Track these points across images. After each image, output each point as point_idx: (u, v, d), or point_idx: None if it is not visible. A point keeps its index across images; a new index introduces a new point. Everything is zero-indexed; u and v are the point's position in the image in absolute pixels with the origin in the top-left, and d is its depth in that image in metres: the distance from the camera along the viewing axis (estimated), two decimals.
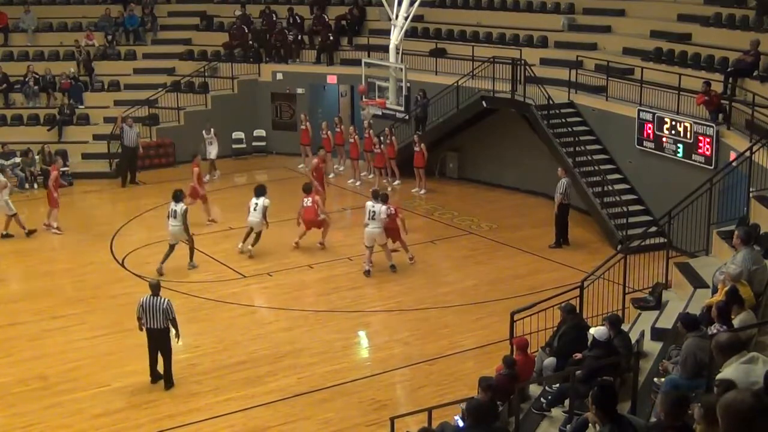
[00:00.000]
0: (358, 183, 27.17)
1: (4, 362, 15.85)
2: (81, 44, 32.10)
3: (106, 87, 31.59)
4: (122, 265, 20.59)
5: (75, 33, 33.17)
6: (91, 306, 18.28)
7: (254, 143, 31.24)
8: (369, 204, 19.93)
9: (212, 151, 28.12)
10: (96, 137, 29.50)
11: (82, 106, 30.63)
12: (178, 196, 19.91)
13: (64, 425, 13.65)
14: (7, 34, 32.85)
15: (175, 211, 19.71)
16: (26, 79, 30.76)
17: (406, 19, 27.02)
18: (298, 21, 32.41)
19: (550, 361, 13.06)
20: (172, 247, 19.80)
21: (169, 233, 19.84)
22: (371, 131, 27.10)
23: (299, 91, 30.89)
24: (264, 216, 20.83)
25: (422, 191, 26.14)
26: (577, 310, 14.14)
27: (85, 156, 28.83)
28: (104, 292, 18.97)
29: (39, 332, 17.10)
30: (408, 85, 26.68)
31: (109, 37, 32.72)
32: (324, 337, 16.67)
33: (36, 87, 30.74)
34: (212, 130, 28.31)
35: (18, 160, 27.45)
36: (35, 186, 27.20)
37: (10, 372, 15.41)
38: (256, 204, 20.89)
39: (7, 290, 19.17)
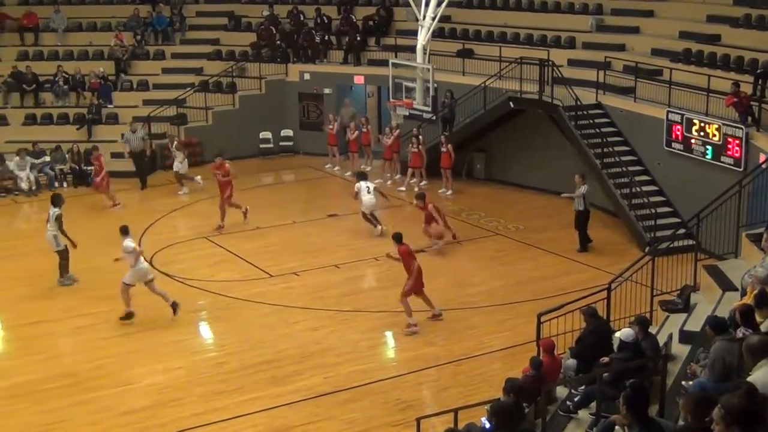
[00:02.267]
0: (389, 183, 27.13)
1: (32, 359, 15.97)
2: (120, 44, 32.36)
3: (134, 87, 31.78)
4: (150, 263, 20.67)
5: (104, 33, 33.41)
6: (118, 304, 18.35)
7: (281, 143, 31.31)
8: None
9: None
10: (125, 137, 29.64)
11: (111, 106, 30.83)
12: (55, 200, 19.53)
13: (92, 422, 13.74)
14: (38, 33, 33.14)
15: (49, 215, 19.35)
16: (56, 79, 31.01)
17: (433, 19, 27.01)
18: (326, 21, 32.46)
19: (570, 362, 13.02)
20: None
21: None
22: (392, 131, 27.16)
23: (326, 91, 30.94)
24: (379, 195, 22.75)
25: (449, 192, 26.11)
26: (605, 313, 14.07)
27: (114, 155, 28.97)
28: (131, 290, 19.03)
29: (67, 330, 17.24)
30: (435, 85, 26.66)
31: (138, 37, 32.92)
32: (350, 337, 16.69)
33: (66, 86, 30.99)
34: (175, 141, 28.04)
35: (48, 158, 27.73)
36: (64, 184, 27.42)
37: (39, 369, 15.53)
38: (368, 187, 22.36)
39: (38, 288, 19.26)
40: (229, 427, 13.68)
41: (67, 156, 27.99)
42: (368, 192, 22.43)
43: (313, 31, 32.09)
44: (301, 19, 32.74)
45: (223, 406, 14.22)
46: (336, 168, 28.84)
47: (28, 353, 16.30)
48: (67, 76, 31.08)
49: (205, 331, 17.78)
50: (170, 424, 13.69)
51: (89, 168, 27.05)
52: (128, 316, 17.42)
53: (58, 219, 19.05)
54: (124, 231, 17.75)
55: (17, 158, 27.13)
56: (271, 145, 31.13)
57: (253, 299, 18.44)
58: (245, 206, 23.18)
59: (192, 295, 18.76)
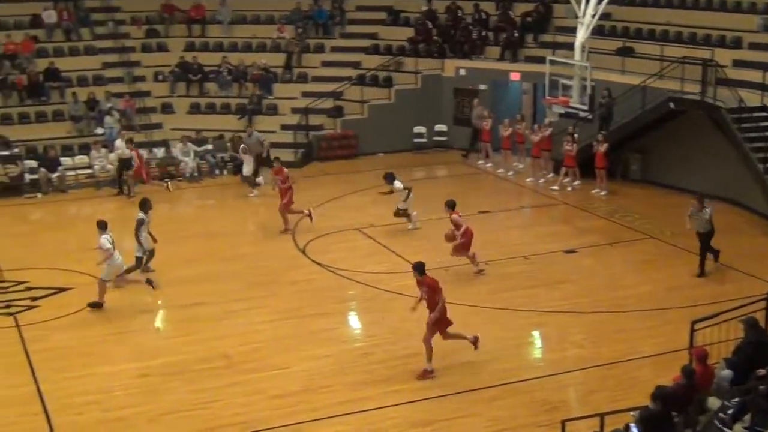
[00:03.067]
0: (541, 181, 26.92)
1: (188, 340, 16.59)
2: (282, 35, 33.37)
3: (294, 78, 32.52)
4: (303, 252, 21.20)
5: (267, 26, 34.36)
6: (271, 290, 18.90)
7: (435, 138, 31.46)
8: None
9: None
10: (283, 127, 30.45)
11: (271, 97, 31.66)
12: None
13: (244, 404, 14.17)
14: (204, 25, 34.34)
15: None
16: (220, 70, 32.10)
17: (593, 16, 26.58)
18: (484, 17, 32.40)
19: (726, 373, 12.63)
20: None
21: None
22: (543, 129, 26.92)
23: (482, 87, 30.89)
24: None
25: (603, 192, 25.67)
26: (765, 324, 13.59)
27: (273, 145, 29.74)
28: (285, 278, 19.57)
29: (223, 313, 17.81)
30: (592, 84, 26.25)
31: (300, 30, 33.66)
32: (497, 335, 16.64)
33: (229, 77, 32.04)
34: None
35: (210, 146, 28.74)
36: (224, 172, 28.36)
37: (194, 350, 16.11)
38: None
39: (196, 271, 20.01)
40: (375, 417, 13.87)
41: (228, 145, 28.95)
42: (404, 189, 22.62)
43: (471, 27, 32.09)
44: (459, 14, 32.78)
45: (368, 396, 14.44)
46: (489, 165, 28.78)
47: (185, 333, 16.95)
48: (230, 67, 32.14)
49: (354, 321, 18.08)
50: (319, 410, 13.98)
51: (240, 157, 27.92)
52: (96, 305, 17.85)
53: (140, 223, 18.96)
54: (102, 226, 17.88)
55: (180, 145, 28.23)
56: (424, 140, 31.32)
57: (401, 292, 18.60)
58: (307, 209, 23.01)
59: (342, 285, 19.12)
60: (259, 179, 26.46)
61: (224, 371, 15.28)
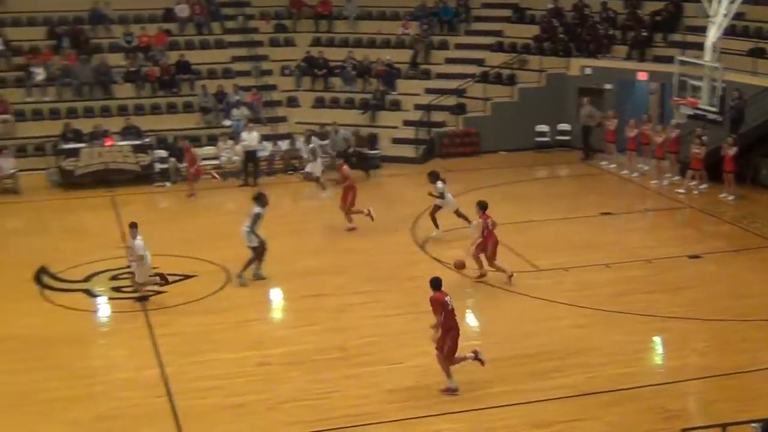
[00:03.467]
0: (665, 183, 26.38)
1: (308, 330, 16.89)
2: (406, 32, 33.60)
3: (418, 75, 32.65)
4: (422, 248, 21.29)
5: (392, 22, 34.61)
6: (388, 285, 19.05)
7: (558, 137, 31.15)
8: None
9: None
10: (406, 123, 30.63)
11: (395, 93, 31.87)
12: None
13: (361, 395, 14.35)
14: (331, 21, 34.82)
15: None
16: (345, 65, 32.48)
17: (725, 16, 25.85)
18: (611, 15, 31.90)
19: None
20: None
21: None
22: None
23: (607, 86, 30.41)
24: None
25: (731, 197, 24.96)
26: None
27: (395, 141, 30.01)
28: (402, 273, 19.69)
29: (341, 305, 18.05)
30: (723, 85, 25.54)
31: (425, 27, 33.77)
32: (616, 339, 16.40)
33: (354, 72, 32.39)
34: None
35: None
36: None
37: (313, 340, 16.40)
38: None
39: (317, 263, 20.32)
40: (489, 416, 13.85)
41: (351, 139, 29.25)
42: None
43: (597, 25, 31.64)
44: (586, 12, 32.35)
45: (481, 395, 14.42)
46: (612, 165, 28.34)
47: (305, 324, 17.26)
48: (355, 62, 32.49)
49: (471, 319, 18.07)
50: (432, 407, 14.05)
51: (371, 152, 28.15)
52: (143, 299, 18.11)
53: (256, 218, 18.84)
54: (135, 226, 17.98)
55: (303, 138, 28.68)
56: (547, 139, 31.04)
57: (520, 291, 18.53)
58: (367, 208, 22.71)
59: (461, 282, 19.13)
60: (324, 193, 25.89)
61: (341, 363, 15.50)
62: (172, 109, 31.18)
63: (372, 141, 29.33)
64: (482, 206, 19.17)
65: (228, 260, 19.81)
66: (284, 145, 29.07)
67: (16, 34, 32.27)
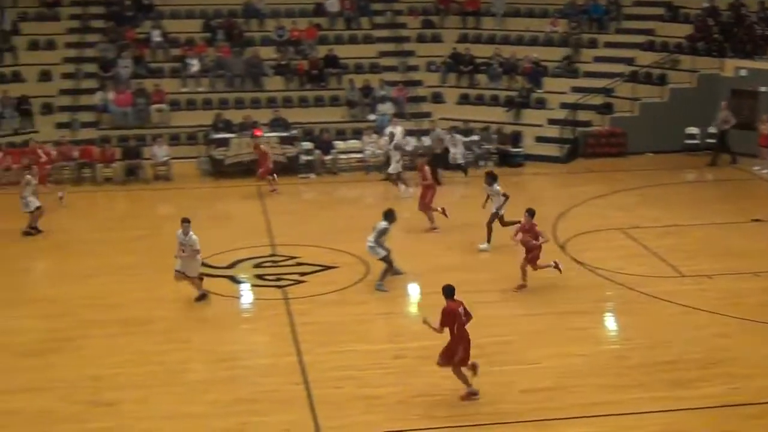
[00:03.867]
0: None
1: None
2: (555, 30, 33.37)
3: (565, 73, 32.23)
4: (563, 249, 21.04)
5: (540, 19, 34.33)
6: (528, 284, 18.88)
7: (708, 140, 30.20)
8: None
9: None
10: (551, 122, 30.31)
11: (540, 91, 31.57)
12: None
13: (494, 394, 14.20)
14: (479, 17, 34.76)
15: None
16: (491, 62, 32.38)
17: None
18: None
19: None
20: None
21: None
22: None
23: (762, 89, 29.31)
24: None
25: None
26: None
27: (539, 139, 29.73)
28: (541, 273, 19.44)
29: (478, 302, 17.81)
30: None
31: (573, 25, 33.32)
32: (763, 350, 15.81)
33: (500, 69, 32.25)
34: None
35: (477, 137, 29.08)
36: (489, 163, 28.61)
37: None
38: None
39: (455, 260, 20.32)
40: (626, 422, 13.58)
41: (493, 137, 29.18)
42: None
43: (755, 25, 30.53)
44: (743, 12, 31.27)
45: (620, 401, 14.15)
46: (765, 171, 27.32)
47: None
48: (501, 59, 32.34)
49: (610, 323, 17.78)
50: (568, 409, 13.88)
51: (514, 150, 28.00)
52: (203, 297, 17.94)
53: (382, 233, 18.54)
54: (188, 221, 17.77)
55: (448, 136, 28.71)
56: (697, 141, 30.17)
57: (662, 297, 18.10)
58: (441, 207, 22.31)
59: (600, 285, 18.83)
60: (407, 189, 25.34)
61: (476, 361, 15.43)
62: (319, 102, 31.76)
63: (515, 139, 29.18)
64: (531, 213, 18.59)
65: (367, 253, 20.05)
66: (427, 140, 29.17)
67: (174, 26, 33.52)
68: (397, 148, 26.28)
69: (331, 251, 20.72)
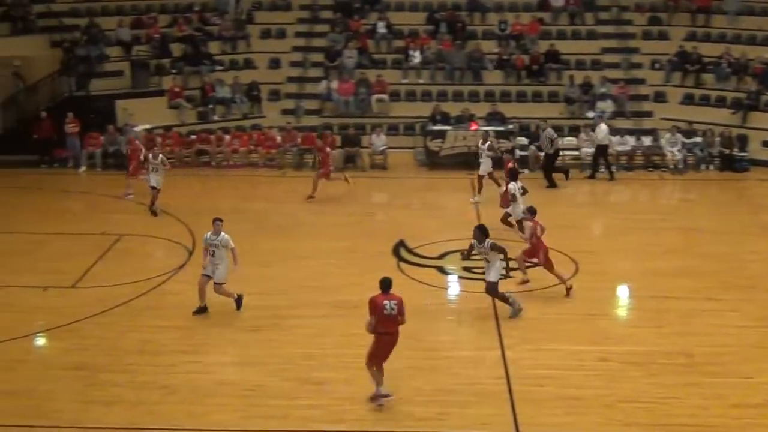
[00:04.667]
0: None
1: (654, 332, 16.46)
2: None
3: None
4: None
5: None
6: (748, 295, 18.10)
7: None
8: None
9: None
10: None
11: None
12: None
13: (702, 406, 13.81)
14: (709, 15, 33.49)
15: None
16: (720, 61, 31.12)
17: None
18: None
19: None
20: None
21: None
22: None
23: None
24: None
25: None
26: None
27: (767, 144, 28.37)
28: (764, 284, 18.65)
29: (690, 310, 17.43)
30: None
31: None
32: None
33: (729, 69, 30.96)
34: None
35: (699, 139, 28.10)
36: (710, 167, 27.60)
37: (659, 342, 15.97)
38: (522, 188, 20.76)
39: (670, 264, 19.74)
40: None
41: (717, 140, 28.08)
42: (523, 194, 20.67)
43: None
44: None
45: None
46: None
47: (652, 325, 16.83)
48: (731, 59, 31.03)
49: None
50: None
51: (739, 154, 26.88)
52: (239, 302, 17.31)
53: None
54: (220, 221, 17.01)
55: (668, 135, 27.91)
56: None
57: None
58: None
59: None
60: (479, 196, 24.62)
61: (685, 369, 15.00)
62: (537, 97, 31.57)
63: (741, 142, 27.97)
64: (531, 212, 18.20)
65: (576, 251, 19.86)
66: (647, 140, 28.44)
67: (399, 18, 34.20)
68: (491, 149, 24.90)
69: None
